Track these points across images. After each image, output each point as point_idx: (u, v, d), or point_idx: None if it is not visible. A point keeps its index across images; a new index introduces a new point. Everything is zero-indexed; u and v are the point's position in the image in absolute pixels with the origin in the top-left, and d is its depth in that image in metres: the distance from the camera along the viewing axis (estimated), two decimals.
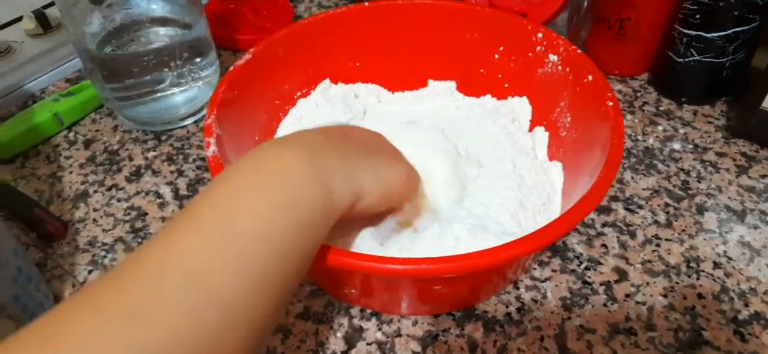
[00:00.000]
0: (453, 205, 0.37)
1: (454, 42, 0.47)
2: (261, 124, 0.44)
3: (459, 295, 0.35)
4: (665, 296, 0.37)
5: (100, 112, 0.55)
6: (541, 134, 0.43)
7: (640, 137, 0.49)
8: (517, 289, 0.38)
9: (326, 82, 0.48)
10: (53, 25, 0.61)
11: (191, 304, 0.19)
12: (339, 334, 0.36)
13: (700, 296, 0.37)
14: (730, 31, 0.46)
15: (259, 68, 0.42)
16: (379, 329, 0.36)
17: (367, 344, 0.35)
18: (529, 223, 0.37)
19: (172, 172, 0.48)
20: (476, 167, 0.40)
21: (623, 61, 0.55)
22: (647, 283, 0.38)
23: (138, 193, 0.47)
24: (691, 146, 0.48)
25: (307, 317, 0.37)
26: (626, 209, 0.43)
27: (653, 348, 0.34)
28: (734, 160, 0.46)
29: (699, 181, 0.45)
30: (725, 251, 0.39)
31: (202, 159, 0.49)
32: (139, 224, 0.44)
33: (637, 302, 0.37)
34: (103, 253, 0.42)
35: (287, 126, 0.46)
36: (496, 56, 0.46)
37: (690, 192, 0.44)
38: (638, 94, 0.54)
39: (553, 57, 0.42)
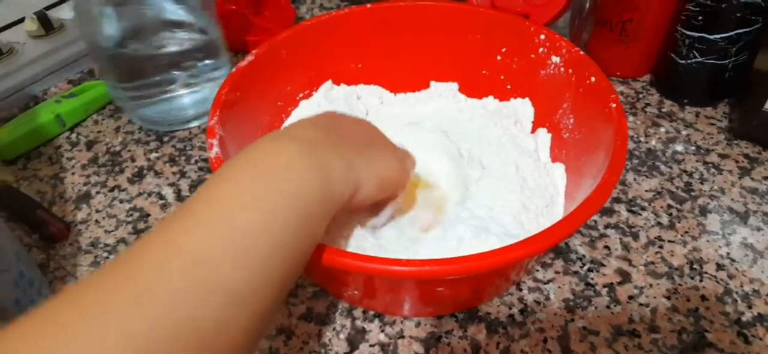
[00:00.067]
0: (456, 206, 0.37)
1: (457, 43, 0.47)
2: (263, 126, 0.44)
3: (462, 297, 0.35)
4: (668, 298, 0.37)
5: (102, 114, 0.55)
6: (544, 136, 0.43)
7: (642, 139, 0.49)
8: (520, 290, 0.38)
9: (328, 83, 0.48)
10: (55, 26, 0.61)
11: (195, 291, 0.20)
12: (342, 336, 0.36)
13: (703, 298, 0.37)
14: (732, 33, 0.46)
15: (261, 70, 0.43)
16: (382, 331, 0.36)
17: (370, 346, 0.35)
18: (532, 225, 0.37)
19: (174, 173, 0.48)
20: (479, 169, 0.40)
21: (625, 62, 0.55)
22: (650, 285, 0.38)
23: (140, 194, 0.47)
24: (693, 148, 0.48)
25: (310, 318, 0.37)
26: (629, 211, 0.43)
27: (656, 350, 0.34)
28: (737, 161, 0.46)
29: (702, 183, 0.45)
30: (728, 253, 0.39)
31: (205, 160, 0.49)
32: (141, 225, 0.44)
33: (641, 304, 0.37)
34: (105, 255, 0.42)
35: None
36: (499, 58, 0.46)
37: (693, 194, 0.44)
38: (640, 96, 0.54)
39: (555, 58, 0.42)
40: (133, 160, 0.50)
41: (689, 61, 0.49)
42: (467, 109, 0.48)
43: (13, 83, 0.56)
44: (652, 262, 0.39)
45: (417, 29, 0.48)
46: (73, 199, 0.46)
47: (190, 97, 0.51)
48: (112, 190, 0.47)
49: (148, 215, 0.45)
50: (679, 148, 0.48)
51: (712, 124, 0.50)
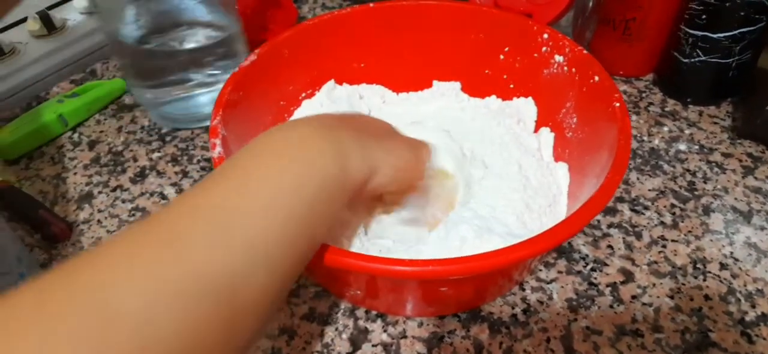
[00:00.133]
0: (459, 206, 0.37)
1: (459, 43, 0.47)
2: (266, 125, 0.44)
3: (465, 297, 0.35)
4: (672, 298, 0.37)
5: (105, 113, 0.55)
6: (547, 135, 0.43)
7: (645, 138, 0.49)
8: (523, 290, 0.38)
9: (331, 83, 0.48)
10: (58, 26, 0.61)
11: (221, 243, 0.21)
12: (344, 336, 0.36)
13: (706, 298, 0.37)
14: (736, 32, 0.46)
15: (264, 69, 0.42)
16: (385, 331, 0.36)
17: (373, 346, 0.35)
18: (535, 224, 0.37)
19: (176, 173, 0.48)
20: (482, 168, 0.40)
21: (628, 61, 0.54)
22: (653, 285, 0.38)
23: (142, 194, 0.47)
24: (696, 147, 0.47)
25: (312, 318, 0.37)
26: (632, 210, 0.43)
27: (660, 350, 0.34)
28: (740, 160, 0.46)
29: (705, 182, 0.44)
30: (732, 252, 0.39)
31: (207, 160, 0.49)
32: None
33: (644, 303, 0.37)
34: None
35: None
36: (502, 57, 0.46)
37: (696, 193, 0.44)
38: (643, 95, 0.53)
39: (558, 57, 0.42)
40: (135, 159, 0.50)
41: (692, 60, 0.49)
42: (470, 109, 0.48)
43: (15, 83, 0.56)
44: (656, 262, 0.39)
45: (419, 28, 0.48)
46: (76, 199, 0.46)
47: (208, 95, 0.51)
48: (114, 189, 0.47)
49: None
50: (683, 147, 0.48)
51: (715, 123, 0.50)
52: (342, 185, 0.27)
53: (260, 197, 0.23)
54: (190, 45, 0.49)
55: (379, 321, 0.36)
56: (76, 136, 0.53)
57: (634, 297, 0.37)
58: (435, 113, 0.48)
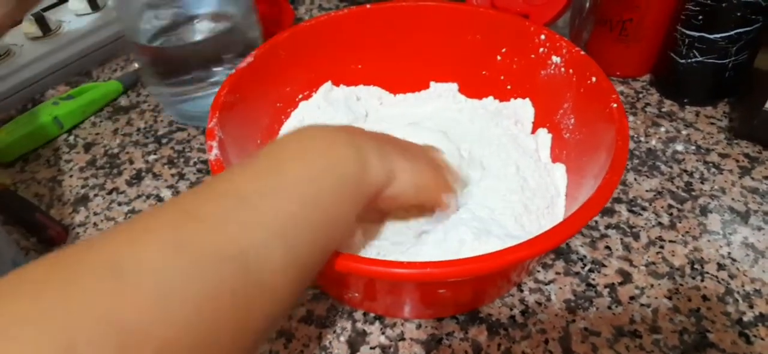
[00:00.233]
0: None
1: (456, 44, 0.47)
2: (263, 127, 0.44)
3: (463, 299, 0.35)
4: (670, 298, 0.37)
5: (100, 116, 0.55)
6: (544, 136, 0.43)
7: (642, 139, 0.49)
8: (521, 291, 0.37)
9: (328, 84, 0.48)
10: (53, 28, 0.60)
11: (241, 217, 0.21)
12: (342, 339, 0.36)
13: (704, 298, 0.37)
14: (732, 32, 0.46)
15: (260, 71, 0.42)
16: (383, 333, 0.36)
17: (371, 348, 0.35)
18: (533, 226, 0.37)
19: (173, 175, 0.48)
20: (479, 170, 0.40)
21: (625, 62, 0.55)
22: (651, 285, 0.38)
23: (139, 196, 0.46)
24: (693, 147, 0.48)
25: (310, 321, 0.37)
26: (630, 211, 0.43)
27: (658, 350, 0.34)
28: (737, 161, 0.46)
29: (702, 183, 0.44)
30: (729, 253, 0.39)
31: (204, 162, 0.49)
32: None
33: (642, 304, 0.36)
34: None
35: (289, 128, 0.46)
36: (499, 58, 0.46)
37: (693, 193, 0.44)
38: (640, 96, 0.53)
39: (556, 58, 0.42)
40: (131, 162, 0.50)
41: (689, 61, 0.49)
42: (467, 110, 0.48)
43: (10, 85, 0.56)
44: (653, 263, 0.39)
45: (416, 29, 0.47)
46: (71, 202, 0.46)
47: None
48: (110, 192, 0.47)
49: None
50: (680, 147, 0.48)
51: (712, 123, 0.50)
52: (361, 187, 0.27)
53: (284, 182, 0.24)
54: (207, 42, 0.49)
55: (377, 323, 0.36)
56: (71, 138, 0.53)
57: (632, 298, 0.37)
58: (432, 114, 0.48)
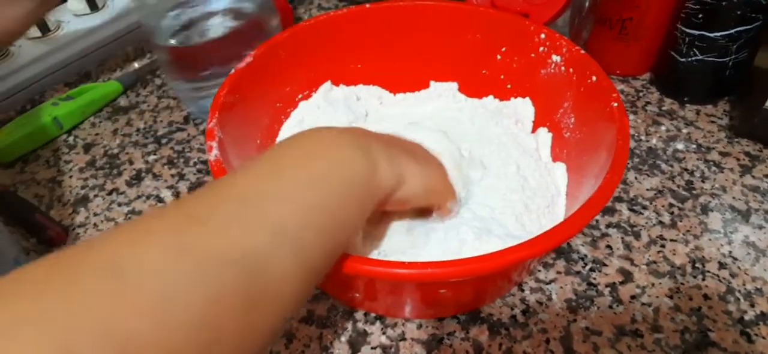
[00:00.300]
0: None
1: (456, 43, 0.47)
2: (263, 127, 0.43)
3: (464, 298, 0.35)
4: (671, 297, 0.37)
5: (100, 116, 0.55)
6: (545, 135, 0.43)
7: (643, 137, 0.49)
8: (522, 291, 0.37)
9: (328, 84, 0.48)
10: (52, 28, 0.60)
11: (245, 222, 0.21)
12: (343, 339, 0.36)
13: (705, 297, 0.37)
14: (732, 31, 0.46)
15: (260, 71, 0.42)
16: (384, 333, 0.36)
17: (372, 348, 0.35)
18: (534, 225, 0.36)
19: (173, 175, 0.48)
20: (480, 169, 0.40)
21: (625, 61, 0.54)
22: (652, 285, 0.38)
23: (139, 197, 0.46)
24: (694, 146, 0.47)
25: (311, 321, 0.37)
26: (630, 210, 0.42)
27: (659, 350, 0.34)
28: (738, 159, 0.46)
29: (703, 181, 0.44)
30: (730, 251, 0.39)
31: (204, 162, 0.49)
32: None
33: (643, 303, 0.36)
34: None
35: (289, 128, 0.46)
36: (499, 57, 0.46)
37: (694, 192, 0.44)
38: (640, 94, 0.53)
39: (556, 57, 0.42)
40: (131, 162, 0.50)
41: (689, 59, 0.49)
42: (467, 109, 0.48)
43: (9, 86, 0.56)
44: (654, 262, 0.39)
45: (416, 29, 0.47)
46: (71, 203, 0.46)
47: None
48: (110, 193, 0.47)
49: None
50: (680, 146, 0.48)
51: (712, 122, 0.50)
52: (370, 189, 0.27)
53: (288, 184, 0.23)
54: (228, 37, 0.49)
55: (378, 323, 0.36)
56: (71, 139, 0.53)
57: (633, 297, 0.37)
58: (432, 114, 0.48)
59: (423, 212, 0.36)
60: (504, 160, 0.41)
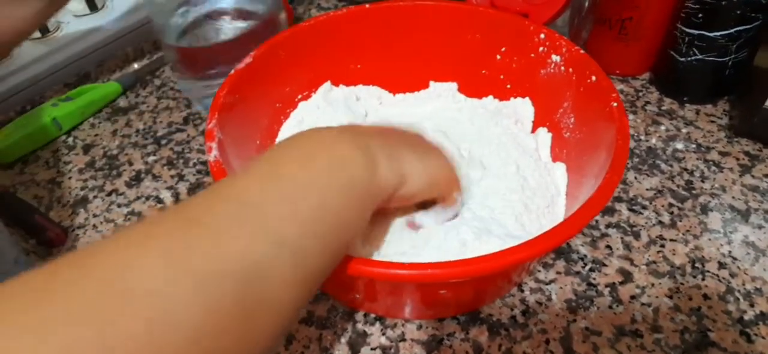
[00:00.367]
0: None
1: (456, 43, 0.47)
2: (262, 128, 0.43)
3: (464, 299, 0.35)
4: (671, 297, 0.37)
5: (99, 117, 0.55)
6: (544, 135, 0.43)
7: (642, 137, 0.49)
8: (522, 291, 0.37)
9: (327, 84, 0.48)
10: (51, 29, 0.60)
11: (243, 230, 0.21)
12: (343, 340, 0.36)
13: (705, 297, 0.37)
14: (732, 30, 0.46)
15: (260, 71, 0.42)
16: (383, 334, 0.36)
17: (371, 349, 0.35)
18: (534, 225, 0.36)
19: (172, 176, 0.48)
20: (480, 169, 0.40)
21: (625, 60, 0.54)
22: (652, 285, 0.38)
23: (138, 198, 0.46)
24: (694, 146, 0.47)
25: (311, 322, 0.37)
26: (630, 210, 0.42)
27: (659, 350, 0.34)
28: (737, 159, 0.46)
29: (702, 181, 0.44)
30: (730, 251, 0.39)
31: (203, 163, 0.49)
32: None
33: (643, 304, 0.36)
34: None
35: (288, 129, 0.45)
36: (498, 57, 0.46)
37: (694, 192, 0.44)
38: (640, 94, 0.53)
39: (555, 57, 0.42)
40: (130, 163, 0.50)
41: (689, 59, 0.49)
42: (467, 109, 0.48)
43: (9, 86, 0.56)
44: (654, 262, 0.39)
45: (416, 29, 0.47)
46: (71, 204, 0.46)
47: None
48: (109, 194, 0.47)
49: None
50: (680, 146, 0.48)
51: (712, 121, 0.50)
52: (371, 189, 0.27)
53: (288, 190, 0.23)
54: (238, 35, 0.49)
55: (377, 324, 0.36)
56: (70, 139, 0.53)
57: (633, 297, 0.37)
58: (432, 114, 0.48)
59: (427, 204, 0.36)
60: (504, 160, 0.41)
